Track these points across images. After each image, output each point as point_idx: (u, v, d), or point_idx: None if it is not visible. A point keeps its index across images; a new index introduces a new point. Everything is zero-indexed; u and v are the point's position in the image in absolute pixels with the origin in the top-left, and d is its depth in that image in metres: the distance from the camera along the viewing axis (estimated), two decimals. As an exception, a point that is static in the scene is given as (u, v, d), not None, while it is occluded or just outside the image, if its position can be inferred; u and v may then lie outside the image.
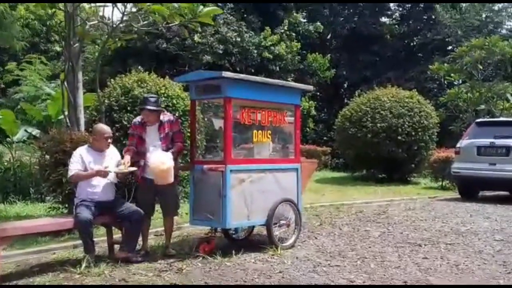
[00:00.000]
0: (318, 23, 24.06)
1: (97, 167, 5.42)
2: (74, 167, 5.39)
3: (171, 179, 5.52)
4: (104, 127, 5.69)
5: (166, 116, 5.84)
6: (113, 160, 5.59)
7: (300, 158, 6.63)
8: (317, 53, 22.85)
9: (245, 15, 22.65)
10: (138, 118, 5.86)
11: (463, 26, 24.44)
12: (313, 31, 23.79)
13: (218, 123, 6.55)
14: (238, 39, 19.87)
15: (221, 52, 19.49)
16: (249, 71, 19.13)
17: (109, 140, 5.60)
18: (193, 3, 6.96)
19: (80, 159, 5.43)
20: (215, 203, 5.60)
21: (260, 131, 6.08)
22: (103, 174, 5.38)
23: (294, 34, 22.52)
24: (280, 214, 6.05)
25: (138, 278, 4.86)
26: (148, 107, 5.64)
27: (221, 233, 6.37)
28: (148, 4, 6.88)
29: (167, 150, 5.64)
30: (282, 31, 21.57)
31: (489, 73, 18.51)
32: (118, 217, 5.53)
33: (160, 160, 5.42)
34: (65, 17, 7.53)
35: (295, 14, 23.48)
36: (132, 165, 5.59)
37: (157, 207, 6.13)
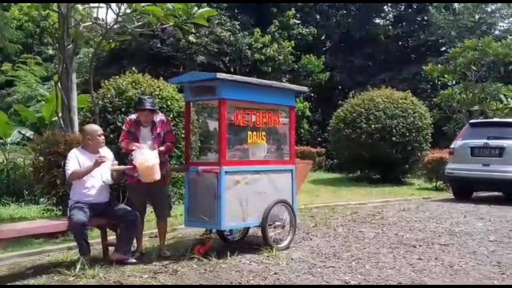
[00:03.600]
0: (312, 28, 24.08)
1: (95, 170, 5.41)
2: (72, 166, 5.36)
3: (157, 177, 5.49)
4: (94, 126, 5.71)
5: (158, 116, 5.85)
6: (108, 160, 5.57)
7: (295, 159, 6.63)
8: (311, 55, 22.85)
9: (238, 16, 22.64)
10: (133, 116, 5.84)
11: (457, 28, 24.54)
12: (306, 34, 23.81)
13: (212, 125, 6.54)
14: (232, 38, 19.87)
15: (216, 50, 19.47)
16: (244, 71, 19.13)
17: (102, 137, 5.58)
18: (187, 5, 6.95)
19: (76, 160, 5.41)
20: (210, 205, 5.59)
21: (254, 132, 6.08)
22: (100, 162, 5.32)
23: (286, 34, 22.52)
24: (275, 215, 6.05)
25: (133, 280, 4.84)
26: (148, 107, 5.65)
27: (216, 235, 6.36)
28: (142, 5, 6.86)
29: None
30: (274, 30, 21.57)
31: (482, 74, 18.58)
32: (113, 219, 5.51)
33: (144, 158, 5.40)
34: (58, 18, 7.51)
35: (288, 12, 23.41)
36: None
37: (151, 208, 6.14)
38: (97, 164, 5.32)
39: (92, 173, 5.39)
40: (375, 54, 26.55)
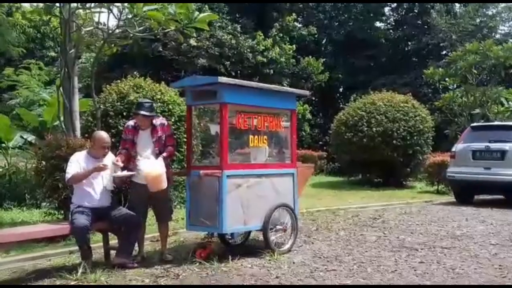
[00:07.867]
0: (312, 27, 24.12)
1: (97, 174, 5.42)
2: (72, 170, 5.38)
3: (165, 185, 5.53)
4: (103, 136, 5.64)
5: (158, 120, 5.85)
6: (110, 165, 5.58)
7: (296, 162, 6.64)
8: (311, 57, 22.86)
9: (240, 20, 22.69)
10: (131, 122, 5.85)
11: (458, 31, 24.55)
12: (307, 35, 23.84)
13: (214, 128, 6.56)
14: (233, 41, 19.91)
15: (217, 54, 19.50)
16: (245, 74, 19.16)
17: (106, 150, 5.58)
18: (188, 9, 6.97)
19: (78, 163, 5.43)
20: (212, 208, 5.60)
21: (256, 136, 6.09)
22: (101, 169, 5.35)
23: (288, 38, 22.57)
24: (277, 219, 6.06)
25: (135, 284, 4.85)
26: (142, 112, 5.63)
27: (218, 239, 6.36)
28: (144, 10, 6.88)
29: (159, 153, 5.66)
30: (275, 34, 21.62)
31: (483, 78, 18.57)
32: (114, 223, 5.52)
33: (151, 168, 5.43)
34: (60, 23, 7.54)
35: (288, 17, 23.44)
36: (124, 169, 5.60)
37: (152, 212, 6.14)
38: (97, 169, 5.33)
39: (94, 177, 5.41)
40: (376, 57, 26.58)
